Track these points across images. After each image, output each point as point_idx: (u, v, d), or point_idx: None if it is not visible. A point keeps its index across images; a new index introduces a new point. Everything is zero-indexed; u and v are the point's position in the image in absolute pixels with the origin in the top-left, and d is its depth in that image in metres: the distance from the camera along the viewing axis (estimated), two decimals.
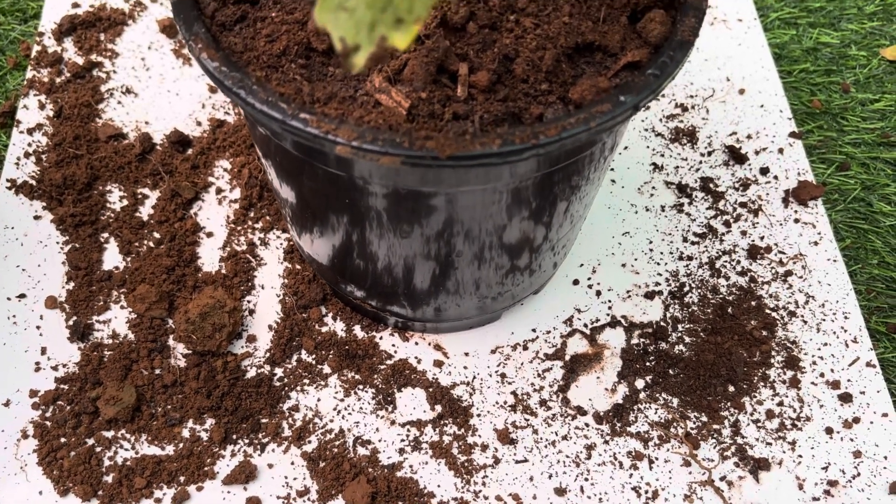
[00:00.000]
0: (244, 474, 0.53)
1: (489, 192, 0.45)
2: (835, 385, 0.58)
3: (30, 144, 0.67)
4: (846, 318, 0.61)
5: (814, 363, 0.59)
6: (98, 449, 0.54)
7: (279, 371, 0.58)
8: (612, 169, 0.67)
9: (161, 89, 0.71)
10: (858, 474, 0.54)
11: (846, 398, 0.57)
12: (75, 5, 0.75)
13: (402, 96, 0.42)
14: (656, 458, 0.54)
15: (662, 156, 0.68)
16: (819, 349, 0.59)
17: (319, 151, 0.43)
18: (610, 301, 0.61)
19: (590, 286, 0.62)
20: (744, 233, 0.64)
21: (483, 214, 0.47)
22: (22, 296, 0.60)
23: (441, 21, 0.44)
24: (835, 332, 0.60)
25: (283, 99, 0.40)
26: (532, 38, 0.44)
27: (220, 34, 0.44)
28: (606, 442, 0.55)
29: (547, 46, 0.44)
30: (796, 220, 0.65)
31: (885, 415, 0.57)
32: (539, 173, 0.45)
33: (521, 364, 0.58)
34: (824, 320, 0.61)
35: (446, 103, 0.43)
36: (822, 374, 0.58)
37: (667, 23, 0.45)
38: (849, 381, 0.58)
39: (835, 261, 0.63)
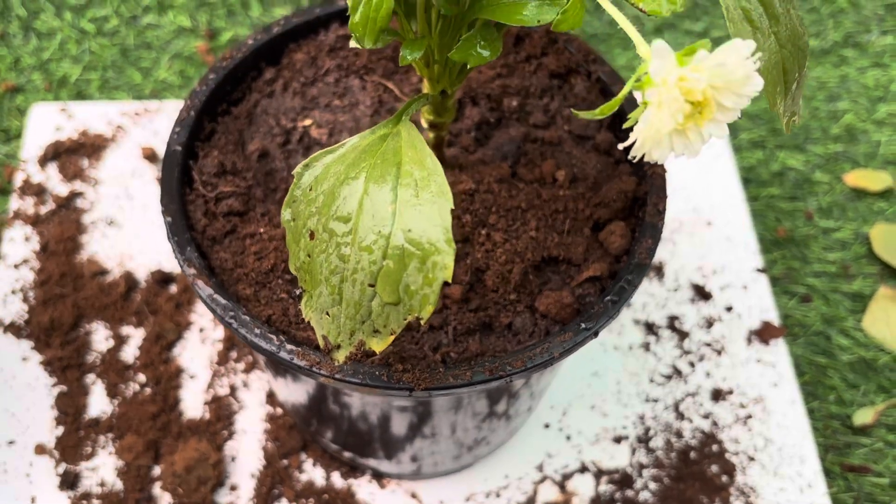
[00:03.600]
0: None
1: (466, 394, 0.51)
2: None
3: (17, 280, 0.72)
4: (802, 462, 0.67)
5: None
6: None
7: None
8: None
9: (144, 220, 0.76)
10: None
11: None
12: (58, 129, 0.80)
13: None
14: None
15: None
16: (776, 494, 0.66)
17: None
18: (579, 445, 0.67)
19: (560, 429, 0.68)
20: (708, 374, 0.71)
21: (460, 402, 0.53)
22: (11, 442, 0.65)
23: None
24: (791, 477, 0.66)
25: (271, 329, 0.45)
26: (502, 253, 0.50)
27: (210, 249, 0.49)
28: None
29: (515, 261, 0.49)
30: (758, 361, 0.71)
31: None
32: None
33: None
34: (781, 464, 0.67)
35: None
36: None
37: (626, 235, 0.51)
38: None
39: (794, 402, 0.70)
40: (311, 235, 0.35)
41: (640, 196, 0.52)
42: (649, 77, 0.30)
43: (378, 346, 0.35)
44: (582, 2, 0.34)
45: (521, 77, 0.56)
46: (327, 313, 0.35)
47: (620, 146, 0.31)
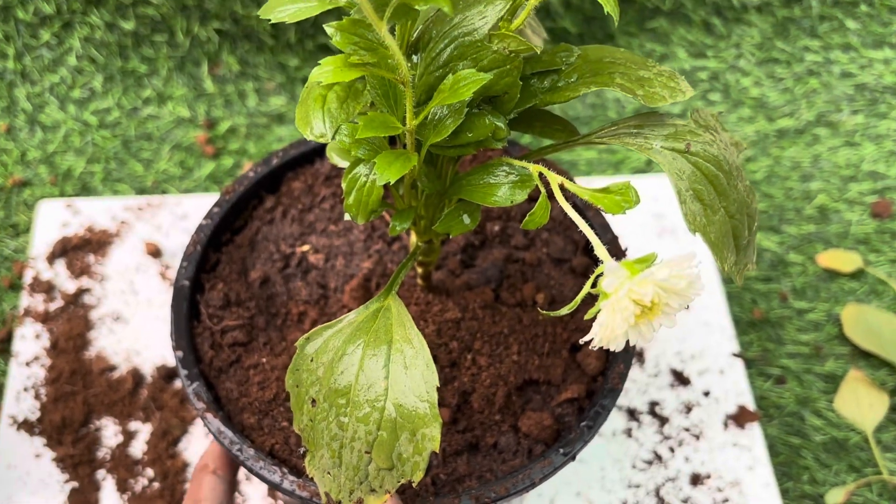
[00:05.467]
0: None
1: None
2: None
3: (28, 378, 0.77)
4: None
5: None
6: None
7: None
8: None
9: (149, 315, 0.81)
10: None
11: None
12: (65, 225, 0.85)
13: None
14: None
15: None
16: None
17: None
18: None
19: None
20: (686, 458, 0.76)
21: None
22: None
23: None
24: None
25: (274, 461, 0.50)
26: (487, 376, 0.55)
27: (217, 380, 0.54)
28: None
29: (499, 384, 0.55)
30: (734, 444, 0.76)
31: None
32: None
33: None
34: None
35: None
36: None
37: (602, 356, 0.56)
38: None
39: (768, 485, 0.75)
40: (313, 402, 0.40)
41: None
42: (603, 290, 0.35)
43: (375, 503, 0.40)
44: (547, 204, 0.39)
45: None
46: (329, 472, 0.40)
47: (581, 340, 0.36)
